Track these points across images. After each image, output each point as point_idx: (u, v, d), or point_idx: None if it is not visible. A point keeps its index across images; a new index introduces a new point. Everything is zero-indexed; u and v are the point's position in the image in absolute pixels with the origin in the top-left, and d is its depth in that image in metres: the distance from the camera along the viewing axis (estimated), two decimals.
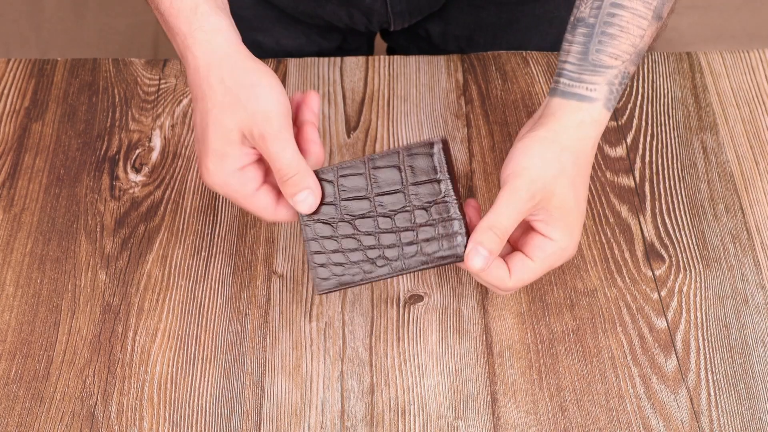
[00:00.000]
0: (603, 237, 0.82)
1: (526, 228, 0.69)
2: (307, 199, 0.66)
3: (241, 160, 0.66)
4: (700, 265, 0.80)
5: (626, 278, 0.79)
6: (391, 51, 1.18)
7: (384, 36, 1.13)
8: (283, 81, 0.93)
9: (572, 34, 0.69)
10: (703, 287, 0.79)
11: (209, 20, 0.66)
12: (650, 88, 0.93)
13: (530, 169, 0.65)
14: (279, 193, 0.68)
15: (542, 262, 0.67)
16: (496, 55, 0.95)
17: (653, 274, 0.80)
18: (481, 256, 0.64)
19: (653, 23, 0.69)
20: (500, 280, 0.67)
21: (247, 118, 0.64)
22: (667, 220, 0.83)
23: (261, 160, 0.68)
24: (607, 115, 0.68)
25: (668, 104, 0.91)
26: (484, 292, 0.79)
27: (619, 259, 0.81)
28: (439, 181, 0.67)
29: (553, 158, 0.66)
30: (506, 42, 1.02)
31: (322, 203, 0.68)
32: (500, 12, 1.00)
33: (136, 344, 0.76)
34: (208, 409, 0.72)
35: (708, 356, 0.75)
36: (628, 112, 0.91)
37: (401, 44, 1.09)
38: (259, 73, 0.66)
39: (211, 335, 0.76)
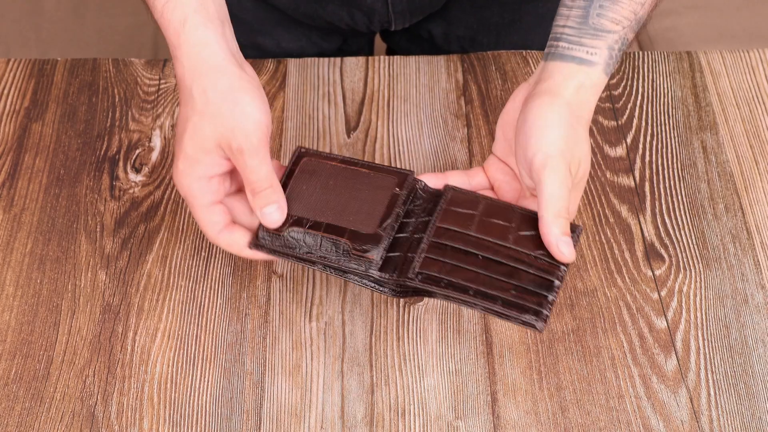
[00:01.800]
0: (603, 237, 0.82)
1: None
2: (273, 213, 0.68)
3: (211, 170, 0.68)
4: (700, 265, 0.80)
5: (626, 278, 0.79)
6: (391, 52, 1.18)
7: (386, 38, 1.12)
8: (283, 81, 0.93)
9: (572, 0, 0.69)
10: (703, 287, 0.79)
11: (196, 34, 0.67)
12: (650, 87, 0.93)
13: (557, 141, 0.64)
14: (230, 221, 0.69)
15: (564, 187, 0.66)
16: (495, 55, 0.95)
17: (653, 274, 0.80)
18: (567, 243, 0.64)
19: None
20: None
21: (226, 132, 0.66)
22: (667, 220, 0.83)
23: (228, 175, 0.69)
24: (605, 80, 0.68)
25: (668, 104, 0.91)
26: None
27: (619, 259, 0.81)
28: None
29: (569, 126, 0.65)
30: (509, 41, 1.02)
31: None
32: (503, 11, 1.00)
33: (136, 344, 0.76)
34: (208, 409, 0.73)
35: (708, 356, 0.75)
36: (628, 111, 0.91)
37: (403, 46, 1.09)
38: (242, 91, 0.66)
39: (211, 335, 0.76)
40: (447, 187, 0.69)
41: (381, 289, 0.69)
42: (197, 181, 0.68)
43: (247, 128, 0.65)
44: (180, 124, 0.68)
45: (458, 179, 0.71)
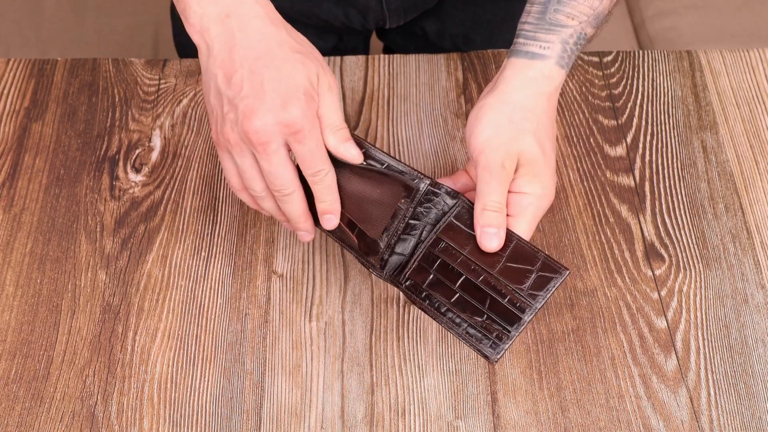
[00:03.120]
0: (603, 237, 0.82)
1: None
2: (351, 147, 0.68)
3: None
4: (700, 265, 0.80)
5: (626, 278, 0.79)
6: (387, 51, 1.18)
7: (381, 35, 1.13)
8: None
9: None
10: (703, 287, 0.79)
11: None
12: (650, 86, 0.93)
13: (489, 141, 0.67)
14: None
15: (524, 216, 0.69)
16: (495, 54, 0.95)
17: (653, 273, 0.80)
18: (490, 235, 0.67)
19: None
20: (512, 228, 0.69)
21: (320, 66, 0.67)
22: (667, 220, 0.83)
23: None
24: (561, 72, 0.69)
25: (668, 103, 0.91)
26: None
27: (619, 258, 0.80)
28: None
29: (505, 122, 0.68)
30: (503, 39, 1.02)
31: None
32: (496, 9, 1.00)
33: (136, 344, 0.76)
34: (208, 409, 0.72)
35: (708, 356, 0.75)
36: (628, 111, 0.91)
37: (398, 43, 1.09)
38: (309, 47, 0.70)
39: (211, 335, 0.76)
40: (461, 200, 0.70)
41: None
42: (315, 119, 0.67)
43: (326, 77, 0.68)
44: (272, 65, 0.66)
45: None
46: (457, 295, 0.67)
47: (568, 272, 0.67)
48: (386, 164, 0.69)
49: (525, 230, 0.69)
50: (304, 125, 0.65)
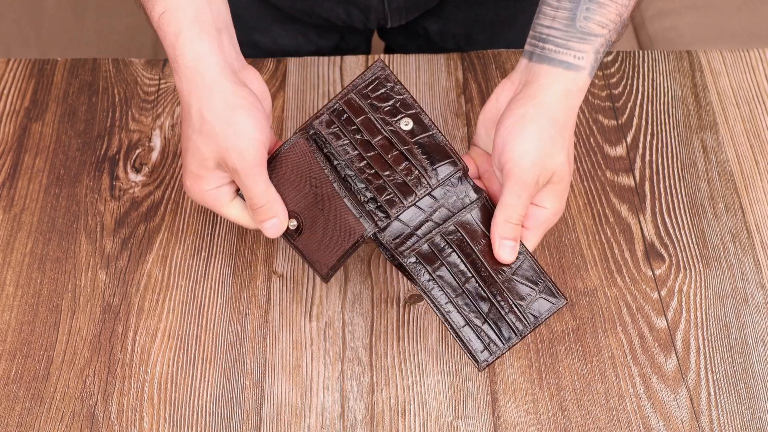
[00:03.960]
0: (603, 237, 0.82)
1: None
2: (273, 227, 0.70)
3: (217, 182, 0.70)
4: (700, 265, 0.80)
5: (626, 278, 0.79)
6: (389, 50, 1.18)
7: (382, 35, 1.13)
8: (283, 80, 0.93)
9: (558, 0, 0.68)
10: (703, 286, 0.79)
11: (191, 48, 0.67)
12: (650, 86, 0.93)
13: (527, 155, 0.66)
14: None
15: (537, 229, 0.70)
16: (496, 54, 0.95)
17: (653, 273, 0.80)
18: (507, 248, 0.68)
19: None
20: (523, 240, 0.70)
21: (221, 151, 0.67)
22: (667, 220, 0.83)
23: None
24: (588, 84, 0.69)
25: (668, 103, 0.91)
26: None
27: (619, 258, 0.80)
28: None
29: (547, 137, 0.67)
30: (505, 39, 1.02)
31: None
32: (498, 9, 1.00)
33: (136, 344, 0.76)
34: (208, 409, 0.73)
35: (708, 356, 0.75)
36: (628, 111, 0.91)
37: (399, 43, 1.09)
38: (236, 109, 0.67)
39: (211, 335, 0.76)
40: (482, 197, 0.70)
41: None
42: (207, 193, 0.70)
43: (240, 148, 0.66)
44: (183, 140, 0.70)
45: None
46: (465, 292, 0.68)
47: (566, 302, 0.69)
48: (434, 131, 0.70)
49: (534, 243, 0.70)
50: (198, 202, 0.72)
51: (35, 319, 0.77)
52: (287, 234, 0.72)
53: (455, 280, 0.68)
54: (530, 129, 0.67)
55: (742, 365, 0.75)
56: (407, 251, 0.69)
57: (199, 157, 0.68)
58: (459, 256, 0.69)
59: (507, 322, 0.67)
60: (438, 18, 1.01)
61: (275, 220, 0.70)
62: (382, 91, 0.71)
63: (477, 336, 0.67)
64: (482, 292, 0.68)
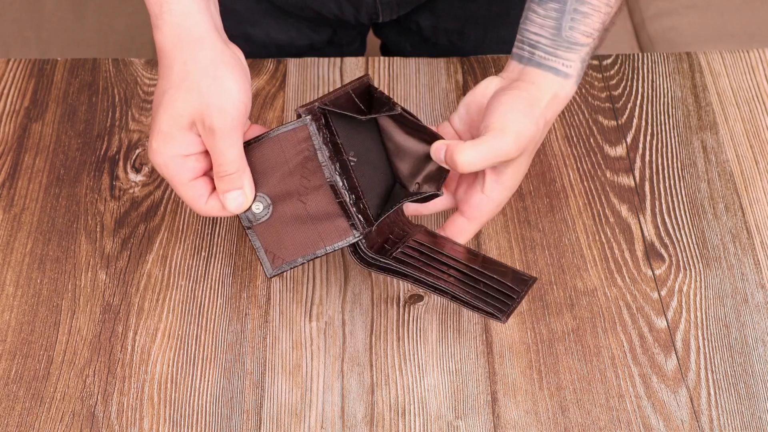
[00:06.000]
0: (603, 237, 0.82)
1: (468, 185, 0.73)
2: (237, 198, 0.66)
3: (186, 148, 0.65)
4: (700, 265, 0.80)
5: (626, 278, 0.79)
6: (384, 48, 1.18)
7: (376, 31, 1.13)
8: (283, 81, 0.93)
9: (543, 8, 0.69)
10: (703, 287, 0.79)
11: (180, 3, 0.65)
12: (650, 87, 0.93)
13: (515, 124, 0.67)
14: (214, 188, 0.68)
15: (480, 221, 0.72)
16: (495, 58, 0.95)
17: (653, 273, 0.80)
18: (440, 151, 0.69)
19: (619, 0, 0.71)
20: (462, 233, 0.72)
21: (201, 108, 0.63)
22: (667, 220, 0.83)
23: (204, 154, 0.67)
24: (573, 92, 0.70)
25: (668, 104, 0.91)
26: None
27: (619, 258, 0.81)
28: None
29: (533, 122, 0.68)
30: (497, 36, 1.02)
31: None
32: (490, 5, 1.00)
33: (136, 344, 0.76)
34: (208, 409, 0.73)
35: (708, 356, 0.75)
36: (628, 111, 0.91)
37: (393, 38, 1.10)
38: (223, 66, 0.64)
39: (211, 335, 0.76)
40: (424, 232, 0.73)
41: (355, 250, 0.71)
42: (172, 159, 0.66)
43: (223, 106, 0.63)
44: (156, 97, 0.66)
45: None
46: (452, 278, 0.69)
47: (534, 279, 0.71)
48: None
49: (472, 233, 0.72)
50: (158, 171, 0.67)
51: (35, 319, 0.77)
52: (246, 215, 0.68)
53: (440, 271, 0.69)
54: (522, 107, 0.68)
55: (742, 365, 0.75)
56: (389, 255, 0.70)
57: (173, 112, 0.64)
58: (432, 256, 0.70)
59: (503, 288, 0.69)
60: (430, 14, 1.02)
61: (240, 193, 0.66)
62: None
63: (485, 302, 0.68)
64: (468, 277, 0.69)
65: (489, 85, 0.71)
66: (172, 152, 0.65)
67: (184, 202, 0.69)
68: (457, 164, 0.66)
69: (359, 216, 0.68)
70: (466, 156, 0.66)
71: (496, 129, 0.67)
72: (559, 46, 0.69)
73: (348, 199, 0.68)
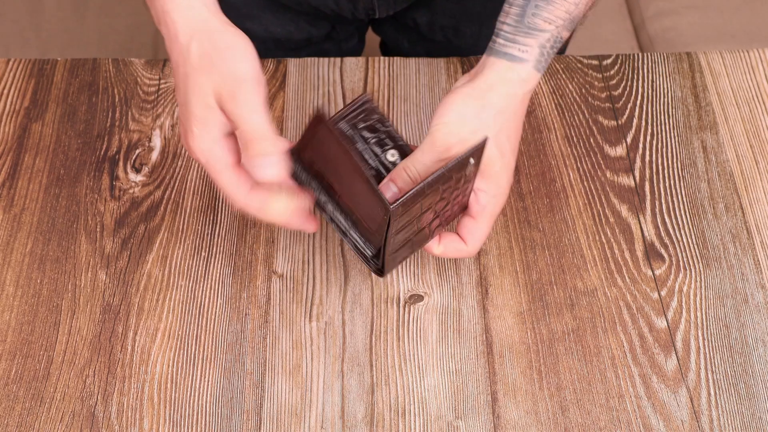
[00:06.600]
0: (603, 237, 0.82)
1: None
2: (267, 167, 0.64)
3: (223, 127, 0.65)
4: (700, 265, 0.80)
5: (626, 278, 0.79)
6: (383, 45, 1.19)
7: (375, 28, 1.13)
8: (283, 81, 0.93)
9: None
10: (703, 287, 0.79)
11: None
12: (650, 87, 0.93)
13: (448, 124, 0.68)
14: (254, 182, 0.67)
15: (484, 216, 0.71)
16: None
17: (653, 273, 0.80)
18: (391, 191, 0.69)
19: None
20: (459, 251, 0.72)
21: (220, 80, 0.64)
22: (667, 220, 0.83)
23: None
24: (536, 75, 0.71)
25: (668, 104, 0.91)
26: (484, 291, 0.79)
27: (619, 258, 0.81)
28: None
29: (472, 115, 0.69)
30: (492, 32, 1.02)
31: None
32: (485, 1, 1.00)
33: (136, 344, 0.76)
34: (208, 409, 0.73)
35: (708, 356, 0.75)
36: (627, 111, 0.91)
37: (390, 35, 1.10)
38: (234, 37, 0.66)
39: (211, 335, 0.76)
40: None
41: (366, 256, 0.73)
42: (216, 143, 0.65)
43: (239, 74, 0.64)
44: (180, 86, 0.66)
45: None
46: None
47: (484, 142, 0.68)
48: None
49: (486, 231, 0.72)
50: (200, 160, 0.66)
51: (35, 319, 0.77)
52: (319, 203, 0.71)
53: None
54: (458, 104, 0.69)
55: (742, 365, 0.75)
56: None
57: (201, 94, 0.64)
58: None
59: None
60: (427, 10, 1.02)
61: (270, 159, 0.64)
62: (369, 123, 0.72)
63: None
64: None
65: (456, 85, 0.73)
66: (213, 134, 0.65)
67: (223, 194, 0.67)
68: (436, 255, 0.73)
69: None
70: (437, 249, 0.72)
71: (430, 131, 0.69)
72: (519, 32, 0.70)
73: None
